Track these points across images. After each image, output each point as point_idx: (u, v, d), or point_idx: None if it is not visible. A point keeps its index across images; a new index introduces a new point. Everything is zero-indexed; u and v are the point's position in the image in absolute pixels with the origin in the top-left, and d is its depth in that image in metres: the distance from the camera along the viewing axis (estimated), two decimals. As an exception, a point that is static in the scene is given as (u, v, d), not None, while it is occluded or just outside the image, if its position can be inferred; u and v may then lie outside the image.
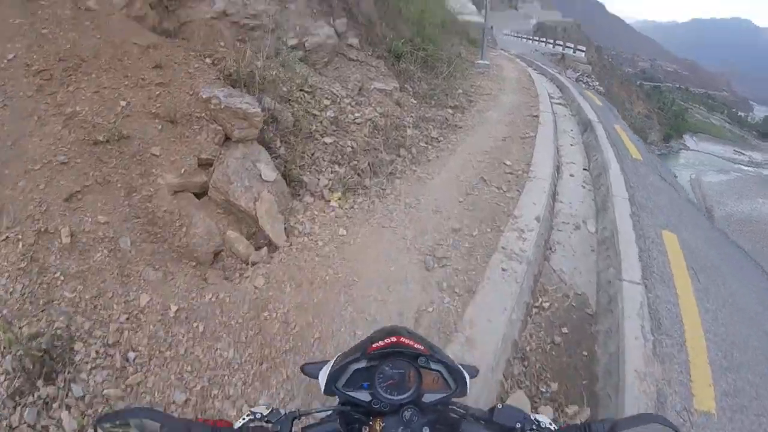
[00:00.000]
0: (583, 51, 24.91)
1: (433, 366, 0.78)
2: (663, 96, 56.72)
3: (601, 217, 4.18)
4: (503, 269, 3.01)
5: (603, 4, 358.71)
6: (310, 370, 0.92)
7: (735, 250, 5.68)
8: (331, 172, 4.02)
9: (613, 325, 2.76)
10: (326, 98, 4.85)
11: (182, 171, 2.84)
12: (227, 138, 3.22)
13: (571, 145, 6.83)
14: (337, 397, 0.81)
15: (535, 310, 2.99)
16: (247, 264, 2.83)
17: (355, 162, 4.24)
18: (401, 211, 3.67)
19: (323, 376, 0.79)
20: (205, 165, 3.04)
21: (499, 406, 0.80)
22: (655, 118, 38.64)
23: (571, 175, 5.40)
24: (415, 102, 6.21)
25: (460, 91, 7.85)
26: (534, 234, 3.43)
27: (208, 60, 3.67)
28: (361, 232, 3.31)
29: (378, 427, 0.73)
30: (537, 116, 7.26)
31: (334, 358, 0.82)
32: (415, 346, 0.77)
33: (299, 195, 3.62)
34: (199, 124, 3.09)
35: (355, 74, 5.71)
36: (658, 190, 5.62)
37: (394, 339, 0.77)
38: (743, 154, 45.02)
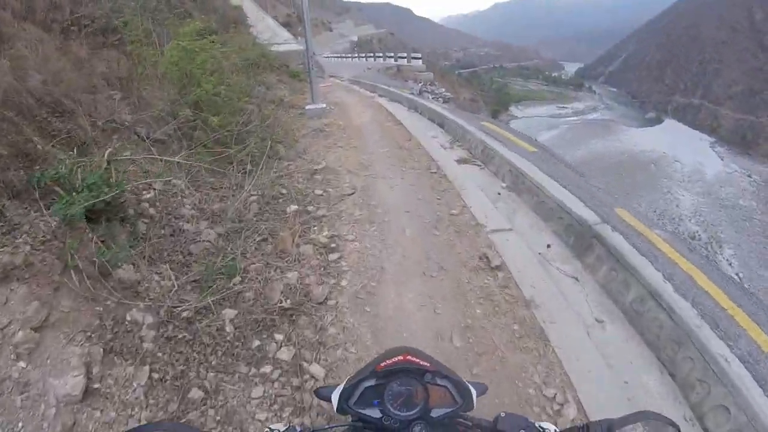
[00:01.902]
0: (419, 58, 22.20)
1: (440, 382, 0.81)
2: (481, 78, 62.82)
3: None
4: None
5: (410, 8, 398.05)
6: (323, 393, 0.91)
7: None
8: None
9: None
10: None
11: None
12: None
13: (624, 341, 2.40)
14: (349, 416, 0.83)
15: None
16: None
17: None
18: None
19: (336, 395, 0.83)
20: None
21: (502, 414, 0.81)
22: (480, 100, 41.21)
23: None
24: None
25: (295, 207, 3.75)
26: None
27: None
28: None
29: None
30: (511, 288, 2.98)
31: (345, 380, 0.85)
32: (422, 363, 0.80)
33: None
34: None
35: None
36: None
37: (401, 357, 0.80)
38: (566, 107, 51.85)
